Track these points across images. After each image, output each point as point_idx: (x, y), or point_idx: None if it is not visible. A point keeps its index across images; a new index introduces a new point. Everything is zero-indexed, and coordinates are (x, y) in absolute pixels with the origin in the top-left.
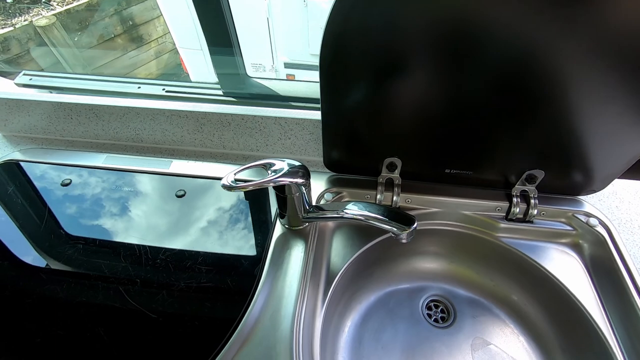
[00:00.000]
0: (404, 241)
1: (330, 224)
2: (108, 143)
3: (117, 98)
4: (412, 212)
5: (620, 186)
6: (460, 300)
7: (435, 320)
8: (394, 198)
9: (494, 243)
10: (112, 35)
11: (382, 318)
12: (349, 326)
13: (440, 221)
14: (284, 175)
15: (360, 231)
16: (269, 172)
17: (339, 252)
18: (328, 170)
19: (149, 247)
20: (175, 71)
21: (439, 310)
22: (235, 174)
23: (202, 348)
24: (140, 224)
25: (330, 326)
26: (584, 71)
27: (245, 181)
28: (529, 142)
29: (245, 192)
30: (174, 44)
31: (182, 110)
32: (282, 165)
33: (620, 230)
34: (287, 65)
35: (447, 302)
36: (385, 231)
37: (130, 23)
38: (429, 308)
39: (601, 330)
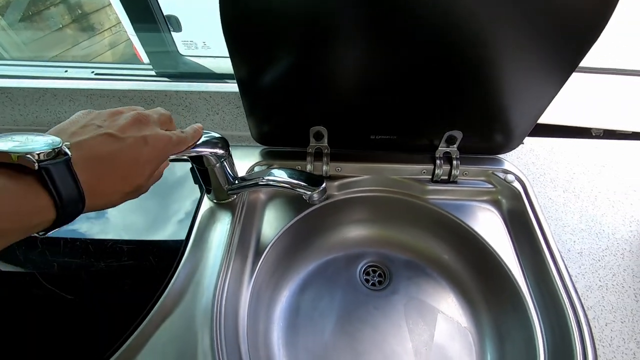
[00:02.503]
0: (316, 202)
1: (262, 196)
2: (29, 129)
3: (30, 79)
4: (343, 181)
5: (537, 144)
6: (396, 264)
7: (373, 285)
8: (324, 167)
9: (423, 205)
10: (60, 26)
11: (320, 286)
12: (286, 295)
13: (371, 187)
14: (199, 146)
15: (293, 202)
16: None
17: (271, 223)
18: (260, 145)
19: (68, 229)
20: (132, 61)
21: (376, 275)
22: None
23: (120, 325)
24: None
25: (264, 296)
26: (497, 34)
27: None
28: (445, 104)
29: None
30: None
31: (102, 89)
32: None
33: (534, 184)
34: None
35: (384, 266)
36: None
37: (79, 12)
38: (367, 273)
39: (516, 281)
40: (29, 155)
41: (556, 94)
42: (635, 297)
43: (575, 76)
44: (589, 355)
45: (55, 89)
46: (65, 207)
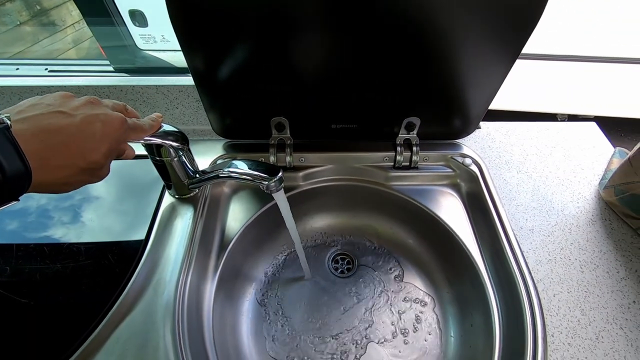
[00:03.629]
0: (274, 192)
1: (226, 189)
2: None
3: None
4: (307, 171)
5: (493, 128)
6: (363, 251)
7: (342, 272)
8: (287, 158)
9: (386, 192)
10: (18, 23)
11: (289, 277)
12: (254, 287)
13: (335, 176)
14: (157, 136)
15: (259, 194)
16: None
17: (236, 216)
18: (223, 138)
19: (20, 233)
20: (98, 58)
21: (345, 262)
22: None
23: (79, 325)
24: (11, 210)
25: (231, 288)
26: (447, 23)
27: None
28: (402, 92)
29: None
30: None
31: (54, 86)
32: None
33: (490, 166)
34: None
35: (352, 254)
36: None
37: (38, 8)
38: (336, 262)
39: (475, 260)
40: None
41: (504, 79)
42: (581, 268)
43: (540, 63)
44: (537, 324)
45: (1, 86)
46: (7, 178)
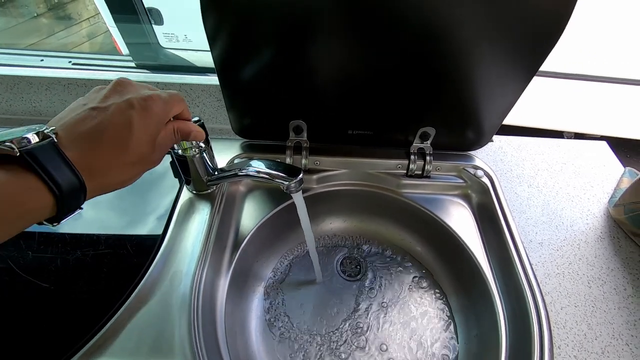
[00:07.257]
0: (293, 192)
1: (242, 188)
2: (1, 117)
3: (2, 67)
4: (321, 174)
5: (505, 142)
6: (372, 256)
7: (349, 275)
8: (303, 161)
9: (397, 199)
10: (35, 14)
11: (299, 277)
12: (263, 286)
13: (349, 181)
14: None
15: (272, 194)
16: None
17: (250, 215)
18: (241, 138)
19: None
20: (111, 53)
21: (353, 266)
22: None
23: (97, 311)
24: None
25: (242, 286)
26: (467, 37)
27: None
28: (419, 102)
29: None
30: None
31: (80, 79)
32: None
33: (501, 179)
34: None
35: (360, 258)
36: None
37: (55, 0)
38: (343, 265)
39: (483, 270)
40: (7, 144)
41: (520, 94)
42: (589, 283)
43: (549, 81)
44: (545, 336)
45: (30, 77)
46: (61, 188)
